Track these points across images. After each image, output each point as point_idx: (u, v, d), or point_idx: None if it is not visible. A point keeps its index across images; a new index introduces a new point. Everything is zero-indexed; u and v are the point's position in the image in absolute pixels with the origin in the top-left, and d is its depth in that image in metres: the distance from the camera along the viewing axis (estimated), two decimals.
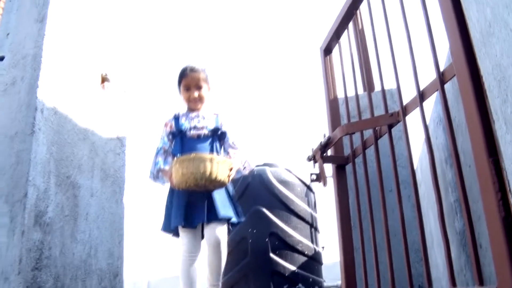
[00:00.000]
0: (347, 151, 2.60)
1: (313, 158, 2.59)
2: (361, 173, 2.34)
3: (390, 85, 2.58)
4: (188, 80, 2.76)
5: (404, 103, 1.99)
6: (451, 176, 2.59)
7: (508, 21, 1.27)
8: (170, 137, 2.75)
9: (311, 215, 3.80)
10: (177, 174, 2.40)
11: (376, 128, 2.20)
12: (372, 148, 2.23)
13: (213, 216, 2.50)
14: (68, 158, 1.83)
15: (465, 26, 1.59)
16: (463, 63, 1.59)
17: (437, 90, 1.82)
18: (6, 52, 1.59)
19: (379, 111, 2.51)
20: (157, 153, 2.74)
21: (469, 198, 1.67)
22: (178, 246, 2.57)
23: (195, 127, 2.69)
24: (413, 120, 2.01)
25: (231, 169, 2.52)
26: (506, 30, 1.29)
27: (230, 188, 2.72)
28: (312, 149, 2.59)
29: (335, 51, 2.83)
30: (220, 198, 2.57)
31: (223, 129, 2.80)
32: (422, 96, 1.87)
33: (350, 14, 2.58)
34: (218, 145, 2.72)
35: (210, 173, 2.36)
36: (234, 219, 2.62)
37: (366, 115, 2.64)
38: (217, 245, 2.51)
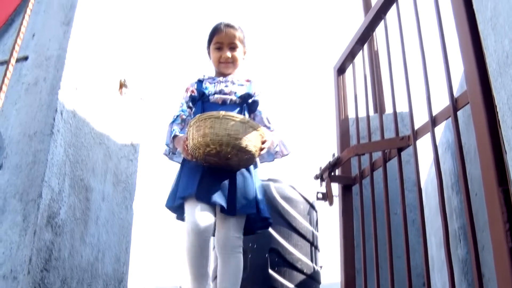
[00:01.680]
0: (354, 171, 2.61)
1: (320, 177, 2.59)
2: (367, 195, 2.34)
3: (401, 108, 2.59)
4: (222, 37, 2.34)
5: (415, 127, 2.01)
6: (457, 202, 2.59)
7: None
8: (190, 104, 2.33)
9: (313, 234, 3.80)
10: (195, 136, 1.97)
11: (386, 151, 2.21)
12: (379, 169, 2.25)
13: (229, 209, 2.05)
14: (83, 161, 1.83)
15: (482, 55, 1.61)
16: (478, 92, 1.60)
17: (449, 117, 1.83)
18: (31, 52, 1.62)
19: (389, 133, 2.52)
20: (173, 122, 2.29)
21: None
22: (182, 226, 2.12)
23: (221, 91, 2.28)
24: (421, 143, 2.02)
25: (263, 142, 2.09)
26: None
27: (257, 175, 2.25)
28: (320, 167, 2.59)
29: (349, 71, 2.85)
30: (244, 186, 2.13)
31: (256, 97, 2.35)
32: (434, 121, 1.88)
33: (366, 36, 2.60)
34: (247, 117, 2.23)
35: (240, 139, 1.95)
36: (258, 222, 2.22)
37: (376, 137, 2.65)
38: (231, 250, 2.07)
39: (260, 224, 2.31)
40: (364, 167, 2.44)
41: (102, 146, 1.70)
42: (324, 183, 2.55)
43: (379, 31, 2.56)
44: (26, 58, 1.62)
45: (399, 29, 2.22)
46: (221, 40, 2.34)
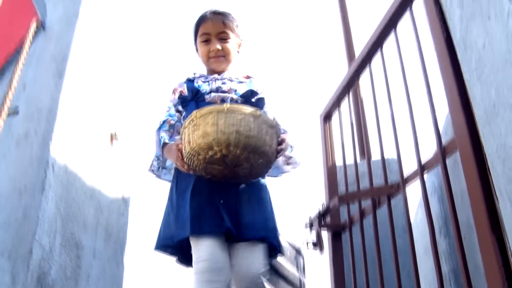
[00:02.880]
0: (343, 216, 2.59)
1: (310, 226, 2.56)
2: (357, 242, 2.33)
3: (388, 154, 2.61)
4: (208, 26, 1.92)
5: (404, 172, 2.02)
6: (445, 246, 2.58)
7: None
8: (180, 107, 1.91)
9: (300, 280, 3.75)
10: (193, 137, 1.54)
11: (375, 198, 2.21)
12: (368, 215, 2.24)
13: (248, 231, 1.66)
14: (75, 216, 1.75)
15: (468, 102, 1.64)
16: (466, 140, 1.61)
17: (438, 164, 1.84)
18: (22, 104, 1.60)
19: (376, 179, 2.53)
20: (159, 128, 1.87)
21: None
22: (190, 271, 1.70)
23: (218, 89, 1.86)
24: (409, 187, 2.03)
25: (280, 143, 1.70)
26: (511, 111, 1.33)
27: (268, 191, 1.87)
28: (310, 216, 2.56)
29: (335, 118, 2.88)
30: (260, 203, 1.76)
31: (261, 95, 1.95)
32: (423, 169, 1.89)
33: (351, 83, 2.64)
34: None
35: (253, 138, 1.53)
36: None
37: (364, 182, 2.66)
38: (255, 282, 1.65)
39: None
40: (353, 213, 2.42)
41: (93, 200, 1.66)
42: (313, 231, 2.53)
43: (364, 78, 2.60)
44: (17, 111, 1.59)
45: (385, 76, 2.25)
46: (208, 31, 1.93)
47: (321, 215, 2.46)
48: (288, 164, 1.98)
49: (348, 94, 2.67)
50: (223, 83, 1.90)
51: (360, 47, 2.55)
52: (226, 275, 1.62)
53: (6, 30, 1.89)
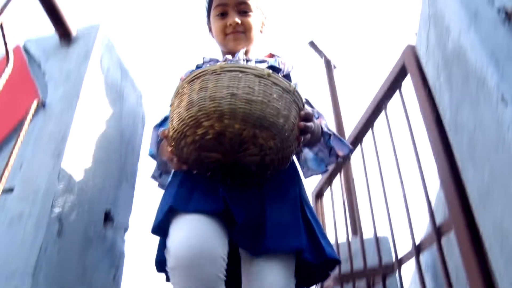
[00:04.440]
0: None
1: None
2: None
3: (382, 232, 2.58)
4: None
5: (398, 250, 1.98)
6: None
7: (507, 184, 1.31)
8: None
9: None
10: (178, 113, 1.13)
11: (370, 278, 2.16)
12: None
13: (267, 242, 1.15)
14: None
15: (461, 183, 1.63)
16: (461, 221, 1.59)
17: (433, 243, 1.81)
18: (18, 184, 1.56)
19: (369, 256, 2.48)
20: (159, 125, 1.52)
21: None
22: None
23: None
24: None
25: (305, 118, 1.21)
26: (506, 193, 1.32)
27: (304, 188, 1.42)
28: None
29: (327, 195, 2.87)
30: (284, 202, 1.26)
31: (288, 72, 1.54)
32: (418, 248, 1.86)
33: (340, 163, 2.65)
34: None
35: (258, 103, 1.07)
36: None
37: (357, 260, 2.60)
38: None
39: (320, 272, 1.31)
40: None
41: (84, 284, 1.59)
42: None
43: (355, 156, 2.61)
44: (12, 190, 1.55)
45: (376, 155, 2.27)
46: (225, 1, 1.53)
47: None
48: (331, 154, 1.46)
49: (340, 172, 2.68)
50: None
51: (350, 126, 2.59)
52: (216, 268, 1.06)
53: (7, 108, 1.89)
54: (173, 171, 1.40)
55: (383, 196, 2.12)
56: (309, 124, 1.23)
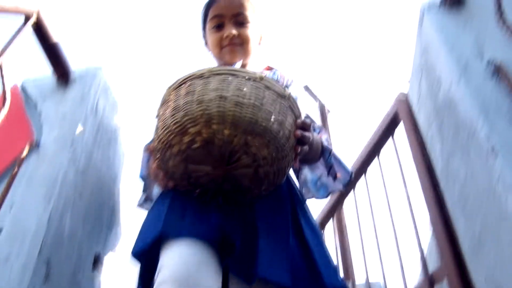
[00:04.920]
0: None
1: None
2: None
3: (373, 277, 2.55)
4: (221, 7, 1.46)
5: None
6: None
7: (499, 235, 1.31)
8: None
9: None
10: (163, 121, 1.03)
11: None
12: None
13: (259, 270, 1.03)
14: None
15: (454, 233, 1.63)
16: (454, 270, 1.58)
17: None
18: (7, 225, 1.54)
19: None
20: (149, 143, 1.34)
21: None
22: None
23: None
24: None
25: (301, 126, 1.09)
26: (498, 244, 1.32)
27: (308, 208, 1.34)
28: None
29: None
30: (277, 226, 1.15)
31: (287, 86, 1.46)
32: None
33: (335, 206, 2.65)
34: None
35: (251, 107, 0.98)
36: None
37: None
38: None
39: None
40: None
41: None
42: None
43: (348, 202, 2.61)
44: (0, 231, 1.53)
45: (369, 201, 2.27)
46: (221, 12, 1.45)
47: None
48: (330, 170, 1.34)
49: (333, 216, 2.68)
50: None
51: None
52: None
53: (0, 147, 1.88)
54: (160, 190, 1.28)
55: (375, 242, 2.11)
56: (307, 134, 1.11)
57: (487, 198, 1.31)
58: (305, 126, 1.11)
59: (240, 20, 1.46)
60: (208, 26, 1.51)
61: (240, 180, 1.06)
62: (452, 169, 1.57)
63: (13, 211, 1.57)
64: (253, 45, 1.48)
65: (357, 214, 2.36)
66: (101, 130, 2.00)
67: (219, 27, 1.46)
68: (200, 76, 1.03)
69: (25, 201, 1.60)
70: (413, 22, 1.84)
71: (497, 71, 1.39)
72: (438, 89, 1.61)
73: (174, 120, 0.99)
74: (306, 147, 1.12)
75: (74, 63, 2.10)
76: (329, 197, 1.77)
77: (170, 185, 1.14)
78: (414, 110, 1.94)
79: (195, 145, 0.98)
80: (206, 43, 1.58)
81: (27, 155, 1.79)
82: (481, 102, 1.34)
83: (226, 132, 0.96)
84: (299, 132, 1.08)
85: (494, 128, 1.26)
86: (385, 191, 2.16)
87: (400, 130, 2.09)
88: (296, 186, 1.40)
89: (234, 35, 1.43)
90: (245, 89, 1.00)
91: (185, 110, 0.98)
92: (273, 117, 1.00)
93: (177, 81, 1.07)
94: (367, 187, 2.33)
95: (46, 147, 1.79)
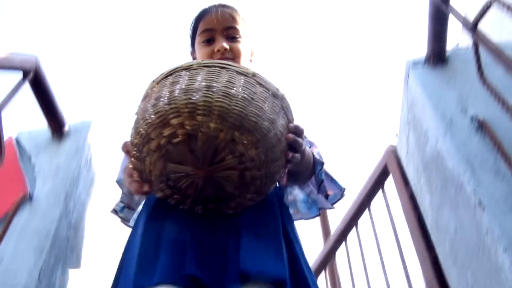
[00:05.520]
0: None
1: None
2: None
3: None
4: (212, 21, 1.38)
5: None
6: None
7: (491, 287, 1.31)
8: None
9: None
10: (142, 115, 0.93)
11: None
12: None
13: (242, 266, 0.92)
14: None
15: (447, 285, 1.63)
16: None
17: None
18: None
19: None
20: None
21: None
22: None
23: None
24: None
25: (295, 131, 1.00)
26: None
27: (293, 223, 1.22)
28: None
29: None
30: (265, 234, 1.02)
31: None
32: None
33: (327, 258, 2.63)
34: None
35: (237, 100, 0.88)
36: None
37: None
38: None
39: None
40: None
41: None
42: None
43: (340, 254, 2.60)
44: None
45: (361, 252, 2.26)
46: (212, 26, 1.38)
47: None
48: (322, 193, 1.27)
49: (325, 268, 2.65)
50: None
51: (335, 223, 2.60)
52: None
53: None
54: (142, 205, 1.18)
55: None
56: (300, 140, 1.01)
57: (477, 251, 1.33)
58: (298, 132, 1.01)
59: (231, 34, 1.38)
60: (197, 40, 1.42)
61: (223, 185, 0.94)
62: (442, 222, 1.59)
63: (4, 264, 1.56)
64: (244, 60, 1.40)
65: (350, 266, 2.35)
66: (96, 184, 2.00)
67: (209, 41, 1.38)
68: (187, 68, 0.95)
69: (17, 254, 1.58)
70: (399, 76, 1.90)
71: (481, 126, 1.44)
72: (425, 143, 1.65)
73: (155, 110, 0.89)
74: (298, 155, 1.02)
75: (69, 116, 2.13)
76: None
77: (145, 189, 0.98)
78: (403, 163, 1.97)
79: (176, 139, 0.88)
80: (194, 59, 1.48)
81: (19, 208, 1.78)
82: (467, 156, 1.38)
83: (212, 125, 0.86)
84: (291, 135, 0.98)
85: (481, 182, 1.29)
86: (377, 242, 2.16)
87: (390, 182, 2.11)
88: (285, 202, 1.26)
89: (226, 49, 1.34)
90: (236, 82, 0.91)
91: (169, 98, 0.89)
92: (264, 113, 0.91)
93: (162, 74, 0.98)
94: (358, 239, 2.33)
95: (39, 200, 1.79)
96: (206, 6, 1.43)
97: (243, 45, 1.39)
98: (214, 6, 1.41)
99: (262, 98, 0.92)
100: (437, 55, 1.72)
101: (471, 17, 1.34)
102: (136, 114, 0.97)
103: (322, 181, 1.27)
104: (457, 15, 1.44)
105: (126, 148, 0.99)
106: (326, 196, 1.30)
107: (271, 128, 0.91)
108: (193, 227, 0.99)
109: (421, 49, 1.79)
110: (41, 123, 2.10)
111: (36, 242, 1.60)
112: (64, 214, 1.73)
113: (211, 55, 1.35)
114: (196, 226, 1.00)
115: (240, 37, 1.38)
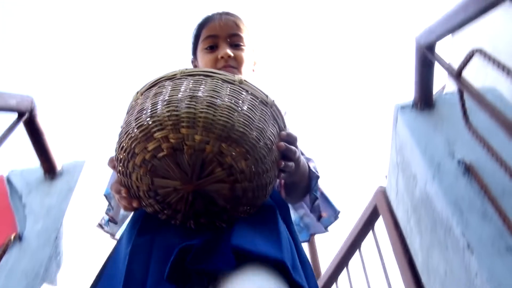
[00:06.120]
0: None
1: None
2: None
3: None
4: (216, 27, 1.36)
5: None
6: None
7: None
8: None
9: None
10: (126, 129, 0.89)
11: None
12: None
13: (234, 241, 0.84)
14: None
15: None
16: None
17: None
18: None
19: None
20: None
21: None
22: None
23: None
24: None
25: (287, 140, 0.96)
26: None
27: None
28: None
29: None
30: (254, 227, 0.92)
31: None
32: None
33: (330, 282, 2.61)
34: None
35: (223, 109, 0.84)
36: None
37: None
38: None
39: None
40: None
41: None
42: None
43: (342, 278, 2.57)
44: None
45: (365, 276, 2.25)
46: (216, 32, 1.36)
47: None
48: (315, 213, 1.21)
49: None
50: None
51: (325, 264, 2.59)
52: None
53: None
54: (130, 218, 1.11)
55: None
56: (293, 148, 0.96)
57: None
58: (291, 139, 0.97)
59: (235, 41, 1.36)
60: (200, 47, 1.39)
61: (214, 198, 0.90)
62: (432, 264, 1.59)
63: None
64: (247, 69, 1.37)
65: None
66: (87, 225, 1.99)
67: (212, 47, 1.35)
68: (171, 77, 0.92)
69: None
70: (389, 118, 1.93)
71: (468, 170, 1.47)
72: (414, 186, 1.68)
73: (138, 123, 0.85)
74: (292, 164, 0.97)
75: (62, 155, 2.13)
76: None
77: (134, 205, 0.95)
78: (392, 205, 1.99)
79: (161, 154, 0.84)
80: (195, 67, 1.45)
81: (9, 248, 1.76)
82: (455, 199, 1.40)
83: (197, 138, 0.82)
84: (283, 143, 0.94)
85: (469, 226, 1.31)
86: (367, 283, 2.16)
87: (380, 223, 2.13)
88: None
89: (230, 56, 1.31)
90: (221, 91, 0.87)
91: (151, 111, 0.85)
92: (252, 122, 0.86)
93: (146, 85, 0.95)
94: (349, 280, 2.32)
95: (29, 240, 1.78)
96: (210, 14, 1.41)
97: (247, 53, 1.37)
98: (218, 13, 1.40)
99: (250, 106, 0.88)
100: (424, 100, 1.76)
101: (457, 63, 1.39)
102: (120, 127, 0.93)
103: (317, 198, 1.22)
104: (443, 63, 1.49)
105: (112, 164, 0.95)
106: (319, 218, 1.26)
107: (260, 138, 0.87)
108: (184, 238, 0.91)
109: (409, 93, 1.84)
110: (33, 162, 2.10)
111: (25, 283, 1.58)
112: (54, 255, 1.71)
113: (214, 62, 1.32)
114: (187, 238, 0.91)
115: (244, 45, 1.36)
